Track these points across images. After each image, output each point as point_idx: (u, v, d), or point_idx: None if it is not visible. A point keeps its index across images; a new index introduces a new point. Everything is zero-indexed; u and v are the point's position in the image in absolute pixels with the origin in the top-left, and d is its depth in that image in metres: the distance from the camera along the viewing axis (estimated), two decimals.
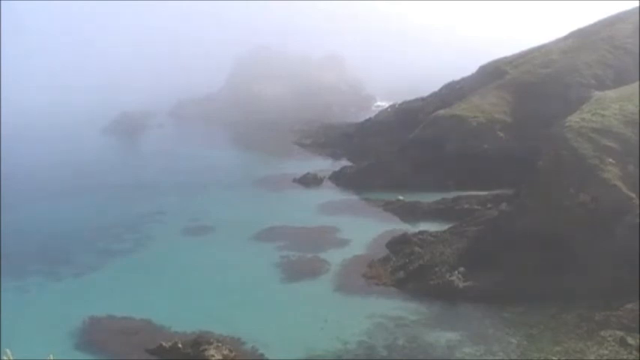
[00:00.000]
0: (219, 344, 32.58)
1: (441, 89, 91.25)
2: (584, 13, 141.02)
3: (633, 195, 38.16)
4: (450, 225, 49.41)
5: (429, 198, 58.68)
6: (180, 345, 32.76)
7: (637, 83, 52.48)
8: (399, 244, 47.26)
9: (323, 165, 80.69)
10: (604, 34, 74.77)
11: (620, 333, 31.83)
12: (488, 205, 52.78)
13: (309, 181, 71.23)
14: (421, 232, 48.95)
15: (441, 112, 72.44)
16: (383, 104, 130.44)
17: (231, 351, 32.39)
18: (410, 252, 44.58)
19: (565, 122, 45.50)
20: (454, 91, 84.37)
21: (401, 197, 60.13)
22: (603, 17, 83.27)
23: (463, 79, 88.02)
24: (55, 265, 47.76)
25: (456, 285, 38.54)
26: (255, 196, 67.46)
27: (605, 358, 30.15)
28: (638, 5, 77.24)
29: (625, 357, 30.04)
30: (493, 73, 79.52)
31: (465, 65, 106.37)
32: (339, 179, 71.53)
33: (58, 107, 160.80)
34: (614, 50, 70.54)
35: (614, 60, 69.02)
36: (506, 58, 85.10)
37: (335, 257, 46.05)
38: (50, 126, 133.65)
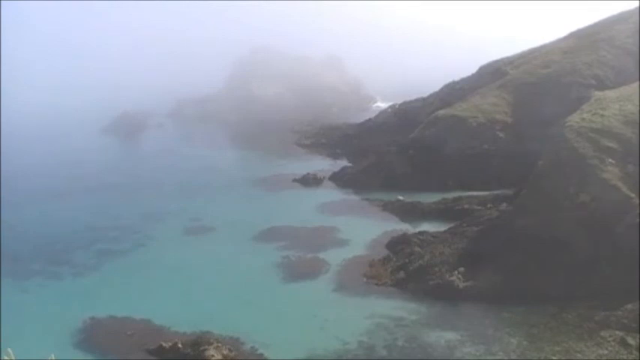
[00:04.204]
0: (219, 344, 32.60)
1: (441, 89, 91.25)
2: (584, 13, 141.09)
3: (633, 195, 38.16)
4: (450, 225, 49.43)
5: (429, 198, 58.70)
6: (180, 345, 32.80)
7: (637, 83, 52.49)
8: (399, 244, 47.28)
9: (323, 165, 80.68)
10: (604, 34, 74.77)
11: (620, 333, 31.84)
12: (489, 205, 52.81)
13: (309, 181, 71.25)
14: (421, 233, 48.99)
15: (441, 112, 72.46)
16: (383, 105, 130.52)
17: (231, 351, 32.41)
18: (410, 252, 44.58)
19: (565, 122, 45.51)
20: (454, 92, 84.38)
21: (401, 197, 60.16)
22: (603, 17, 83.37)
23: (463, 80, 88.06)
24: (55, 265, 47.80)
25: (456, 285, 38.55)
26: (255, 196, 67.45)
27: (605, 358, 30.17)
28: (638, 5, 77.29)
29: (625, 357, 30.07)
30: (493, 73, 79.66)
31: (465, 65, 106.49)
32: (339, 179, 71.52)
33: (57, 107, 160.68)
34: (614, 50, 70.55)
35: (614, 60, 69.03)
36: (506, 58, 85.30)
37: (335, 257, 46.04)
38: (50, 126, 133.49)
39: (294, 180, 71.91)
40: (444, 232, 48.18)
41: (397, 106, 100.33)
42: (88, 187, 73.79)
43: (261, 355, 32.64)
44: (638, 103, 45.37)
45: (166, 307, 38.60)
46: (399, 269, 42.42)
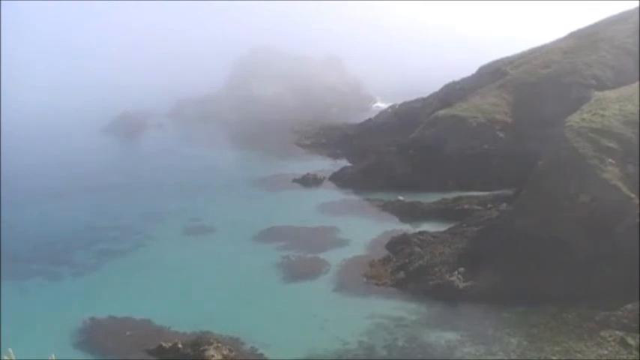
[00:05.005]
0: (219, 344, 32.61)
1: (441, 89, 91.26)
2: (584, 13, 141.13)
3: (633, 195, 38.18)
4: (450, 225, 49.45)
5: (429, 198, 58.72)
6: (180, 345, 32.81)
7: (637, 83, 52.54)
8: (399, 244, 47.29)
9: (323, 165, 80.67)
10: (604, 34, 74.78)
11: (620, 333, 31.88)
12: (489, 206, 52.82)
13: (309, 181, 71.25)
14: (421, 233, 49.00)
15: (441, 112, 72.47)
16: (383, 105, 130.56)
17: (231, 351, 32.42)
18: (410, 252, 44.58)
19: (565, 122, 45.54)
20: (454, 92, 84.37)
21: (401, 197, 60.16)
22: (603, 17, 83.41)
23: (463, 80, 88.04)
24: (55, 266, 47.79)
25: (456, 285, 38.55)
26: (256, 196, 67.44)
27: (605, 358, 30.19)
28: (638, 5, 77.31)
29: (625, 357, 30.09)
30: (493, 74, 79.66)
31: (465, 65, 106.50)
32: (339, 180, 71.52)
33: (57, 107, 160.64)
34: (614, 50, 70.55)
35: (614, 60, 69.02)
36: (506, 58, 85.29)
37: (335, 257, 46.05)
38: (50, 126, 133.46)
39: (294, 180, 71.91)
40: (444, 232, 48.18)
41: (397, 107, 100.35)
42: (88, 187, 73.77)
43: (261, 355, 32.65)
44: (638, 104, 45.40)
45: (166, 307, 38.60)
46: (399, 269, 42.43)
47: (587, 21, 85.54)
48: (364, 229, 52.32)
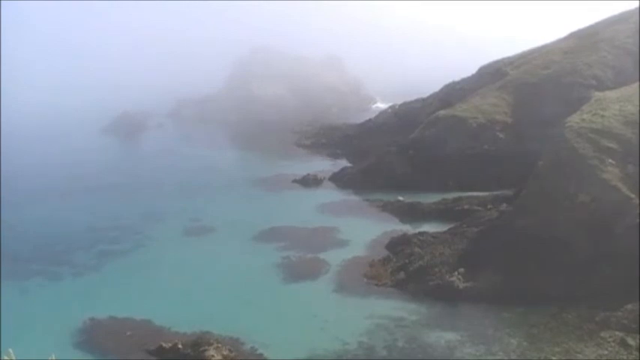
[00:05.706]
0: (219, 345, 32.62)
1: (441, 90, 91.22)
2: (584, 13, 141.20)
3: (633, 195, 38.18)
4: (450, 226, 49.46)
5: (429, 198, 58.73)
6: (180, 346, 32.82)
7: (637, 83, 52.50)
8: (399, 244, 47.31)
9: (323, 166, 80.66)
10: (604, 34, 74.79)
11: (620, 334, 31.90)
12: (489, 206, 52.83)
13: (310, 181, 71.24)
14: (421, 233, 48.99)
15: (441, 112, 72.47)
16: (382, 105, 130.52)
17: (231, 351, 32.43)
18: (410, 253, 44.60)
19: (565, 123, 45.53)
20: (454, 92, 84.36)
21: (401, 198, 60.16)
22: (603, 17, 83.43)
23: (463, 80, 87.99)
24: (55, 266, 47.77)
25: (456, 286, 38.57)
26: (256, 196, 67.45)
27: (605, 358, 30.20)
28: (638, 5, 77.31)
29: (625, 358, 30.10)
30: (493, 74, 79.64)
31: (465, 65, 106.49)
32: (339, 180, 71.53)
33: (57, 107, 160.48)
34: (614, 50, 70.54)
35: (614, 60, 69.02)
36: (506, 58, 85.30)
37: (335, 258, 46.06)
38: (50, 126, 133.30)
39: (294, 180, 71.90)
40: (444, 232, 48.18)
41: (397, 107, 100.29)
42: (88, 187, 73.74)
43: (261, 355, 32.67)
44: (638, 104, 45.38)
45: (166, 307, 38.61)
46: (399, 270, 42.43)
47: (587, 21, 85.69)
48: (364, 229, 52.33)
